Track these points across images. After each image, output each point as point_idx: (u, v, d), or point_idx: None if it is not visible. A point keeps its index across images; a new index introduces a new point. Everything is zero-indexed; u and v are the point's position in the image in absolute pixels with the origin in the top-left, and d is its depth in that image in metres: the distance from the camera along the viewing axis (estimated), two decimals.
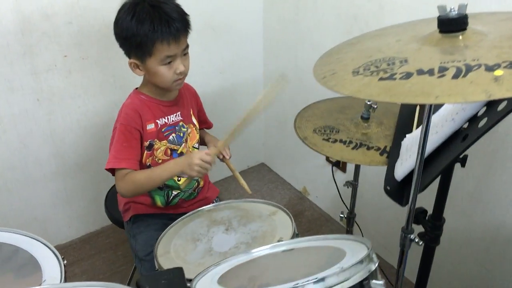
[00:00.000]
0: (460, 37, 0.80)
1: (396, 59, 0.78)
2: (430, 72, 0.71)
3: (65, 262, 1.23)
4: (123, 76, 2.12)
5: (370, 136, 1.43)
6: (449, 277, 1.88)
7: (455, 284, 1.88)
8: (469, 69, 0.69)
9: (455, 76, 0.68)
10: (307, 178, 2.65)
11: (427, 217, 1.27)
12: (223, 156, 1.57)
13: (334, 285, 0.87)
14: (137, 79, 2.16)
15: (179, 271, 1.13)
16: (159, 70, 1.41)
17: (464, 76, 0.68)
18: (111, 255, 2.29)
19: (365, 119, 1.47)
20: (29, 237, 1.33)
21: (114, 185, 1.93)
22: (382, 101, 0.79)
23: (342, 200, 2.14)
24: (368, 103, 1.44)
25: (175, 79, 1.44)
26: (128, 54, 1.45)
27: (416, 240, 1.10)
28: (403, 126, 1.38)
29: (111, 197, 1.87)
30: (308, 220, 2.50)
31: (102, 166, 2.24)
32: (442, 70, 0.71)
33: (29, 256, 1.25)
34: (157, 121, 1.50)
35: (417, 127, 1.34)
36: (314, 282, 0.86)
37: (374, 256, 0.94)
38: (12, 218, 2.12)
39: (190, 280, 1.09)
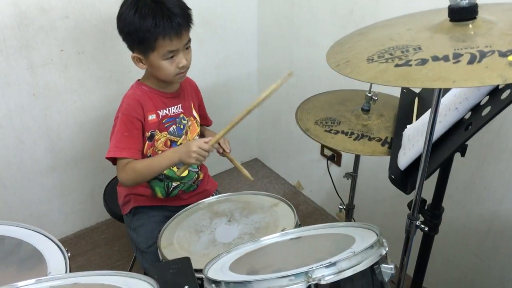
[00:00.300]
0: (470, 25, 0.82)
1: (410, 47, 0.80)
2: (445, 58, 0.74)
3: (69, 254, 1.23)
4: (119, 71, 2.11)
5: (370, 128, 1.46)
6: (444, 267, 1.91)
7: (449, 274, 1.92)
8: (483, 55, 0.72)
9: (470, 62, 0.71)
10: (301, 172, 2.67)
11: (426, 207, 1.30)
12: (223, 150, 1.58)
13: (346, 269, 0.90)
14: (134, 74, 2.16)
15: (186, 260, 1.14)
16: (161, 64, 1.43)
17: (479, 61, 0.71)
18: (107, 250, 2.29)
19: (366, 111, 1.49)
20: (32, 230, 1.33)
21: (112, 179, 1.94)
22: (400, 86, 0.81)
23: (338, 194, 2.16)
24: (369, 95, 1.47)
25: (177, 72, 1.45)
26: (131, 48, 1.47)
27: (422, 226, 1.13)
28: (403, 117, 1.41)
29: (110, 190, 1.87)
30: (302, 214, 2.52)
31: (98, 161, 2.25)
32: (457, 56, 0.73)
33: (32, 248, 1.25)
34: (159, 112, 1.52)
35: (417, 118, 1.37)
36: (327, 266, 0.89)
37: (384, 241, 0.97)
38: (7, 214, 2.11)
39: (196, 270, 1.10)
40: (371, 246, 0.93)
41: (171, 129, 1.55)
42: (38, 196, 2.18)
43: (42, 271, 1.17)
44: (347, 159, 2.27)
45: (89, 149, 2.21)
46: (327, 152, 2.35)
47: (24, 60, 1.87)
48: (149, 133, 1.50)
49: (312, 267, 0.88)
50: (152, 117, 1.50)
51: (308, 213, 2.53)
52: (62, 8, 1.86)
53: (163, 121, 1.53)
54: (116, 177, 1.92)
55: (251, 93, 2.72)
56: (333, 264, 0.89)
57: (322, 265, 0.88)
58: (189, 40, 1.46)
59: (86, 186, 2.30)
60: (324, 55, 2.18)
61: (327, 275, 0.87)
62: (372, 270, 0.93)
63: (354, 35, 0.97)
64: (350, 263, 0.90)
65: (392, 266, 0.94)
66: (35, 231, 1.31)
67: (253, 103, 1.36)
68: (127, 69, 2.12)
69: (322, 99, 1.64)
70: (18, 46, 1.83)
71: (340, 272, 0.88)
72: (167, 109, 1.54)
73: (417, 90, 1.53)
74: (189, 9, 1.45)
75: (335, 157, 2.32)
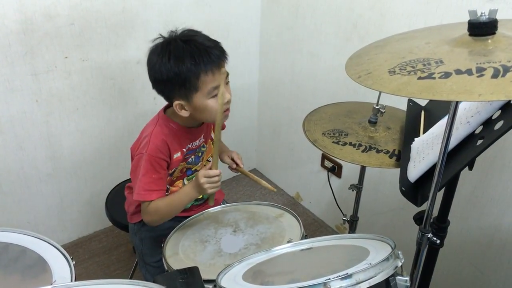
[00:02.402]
0: (490, 40, 0.84)
1: (431, 60, 0.81)
2: (469, 72, 0.74)
3: (74, 262, 1.21)
4: (122, 79, 2.11)
5: (377, 140, 1.46)
6: (444, 280, 1.92)
7: (449, 287, 1.92)
8: (506, 69, 0.73)
9: (494, 76, 0.72)
10: (300, 184, 2.67)
11: (432, 220, 1.30)
12: (237, 165, 1.58)
13: (362, 281, 0.89)
14: (136, 83, 2.17)
15: (195, 270, 1.13)
16: (207, 104, 1.36)
17: (503, 76, 0.72)
18: (105, 259, 2.26)
19: (373, 123, 1.50)
20: (36, 237, 1.32)
21: (114, 187, 1.93)
22: (424, 99, 0.82)
23: (338, 206, 2.17)
24: (377, 107, 1.48)
25: (224, 110, 1.36)
26: (171, 97, 1.40)
27: (434, 239, 1.13)
28: (411, 130, 1.42)
29: (112, 198, 1.86)
30: None
31: (97, 170, 2.24)
32: (480, 70, 0.74)
33: (37, 256, 1.23)
34: (183, 149, 1.49)
35: (424, 131, 1.38)
36: (343, 278, 0.89)
37: (399, 253, 0.97)
38: (5, 221, 2.09)
39: (204, 281, 1.10)
40: (387, 258, 0.93)
41: (190, 159, 1.53)
42: (36, 203, 2.16)
43: (46, 279, 1.16)
44: (348, 171, 2.28)
45: (89, 157, 2.20)
46: (328, 163, 2.36)
47: (28, 66, 1.86)
48: (173, 170, 1.49)
49: (330, 278, 0.87)
50: (177, 155, 1.46)
51: (307, 225, 2.53)
52: (68, 15, 1.86)
53: (185, 154, 1.51)
54: (118, 184, 1.93)
55: (252, 104, 2.73)
56: (350, 276, 0.89)
57: (338, 276, 0.88)
58: (228, 74, 1.40)
59: (85, 194, 2.28)
60: (327, 67, 2.20)
61: (345, 287, 0.87)
62: (387, 283, 0.93)
63: (371, 48, 0.98)
64: (367, 275, 0.90)
65: (407, 278, 0.94)
66: (40, 239, 1.30)
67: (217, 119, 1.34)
68: (130, 77, 2.12)
69: (329, 110, 1.64)
70: (22, 52, 1.82)
71: (357, 284, 0.88)
72: (191, 143, 1.51)
73: (423, 104, 1.54)
74: (219, 42, 1.40)
75: (335, 169, 2.32)
